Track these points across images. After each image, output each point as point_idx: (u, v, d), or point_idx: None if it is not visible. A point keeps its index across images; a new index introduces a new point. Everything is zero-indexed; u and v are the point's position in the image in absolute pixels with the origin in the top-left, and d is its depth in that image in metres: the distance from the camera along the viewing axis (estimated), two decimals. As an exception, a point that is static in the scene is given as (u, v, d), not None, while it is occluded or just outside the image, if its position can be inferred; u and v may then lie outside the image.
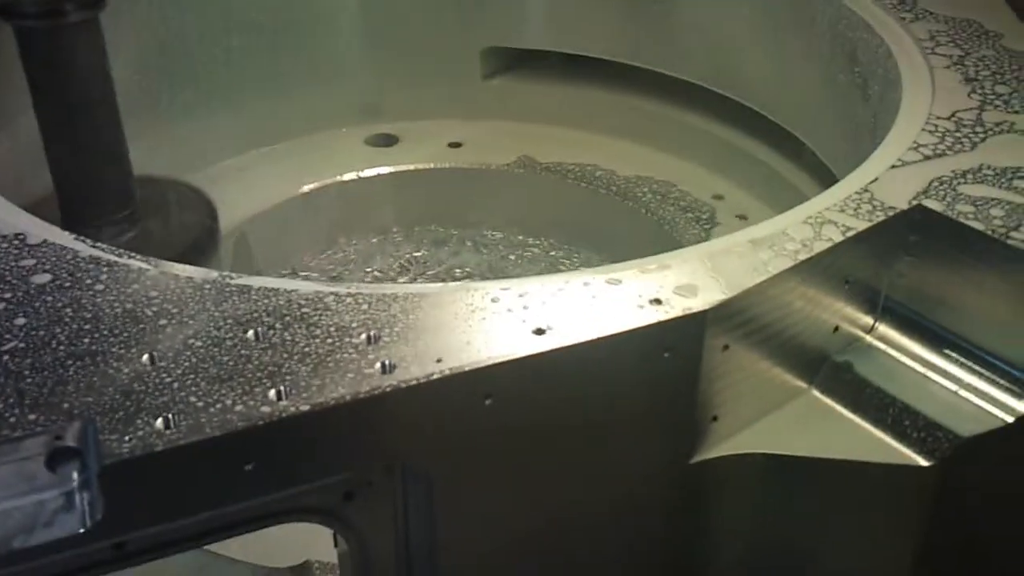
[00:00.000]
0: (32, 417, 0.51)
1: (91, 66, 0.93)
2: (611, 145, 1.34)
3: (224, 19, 1.28)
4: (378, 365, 0.55)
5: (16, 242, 0.65)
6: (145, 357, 0.56)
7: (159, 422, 0.51)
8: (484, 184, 1.36)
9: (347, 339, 0.57)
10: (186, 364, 0.55)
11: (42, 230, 0.67)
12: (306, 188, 1.31)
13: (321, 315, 0.59)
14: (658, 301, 0.61)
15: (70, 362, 0.55)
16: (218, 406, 0.52)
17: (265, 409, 0.52)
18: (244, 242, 1.23)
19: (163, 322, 0.58)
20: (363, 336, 0.58)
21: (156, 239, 1.02)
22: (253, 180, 1.30)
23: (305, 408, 0.52)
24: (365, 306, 0.60)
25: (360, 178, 1.34)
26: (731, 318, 0.62)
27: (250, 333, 0.58)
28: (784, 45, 1.14)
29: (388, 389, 0.54)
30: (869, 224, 0.68)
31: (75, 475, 0.50)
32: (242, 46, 1.29)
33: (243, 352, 0.56)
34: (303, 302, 0.60)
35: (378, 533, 0.59)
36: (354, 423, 0.54)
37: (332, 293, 0.61)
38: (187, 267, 0.64)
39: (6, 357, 0.55)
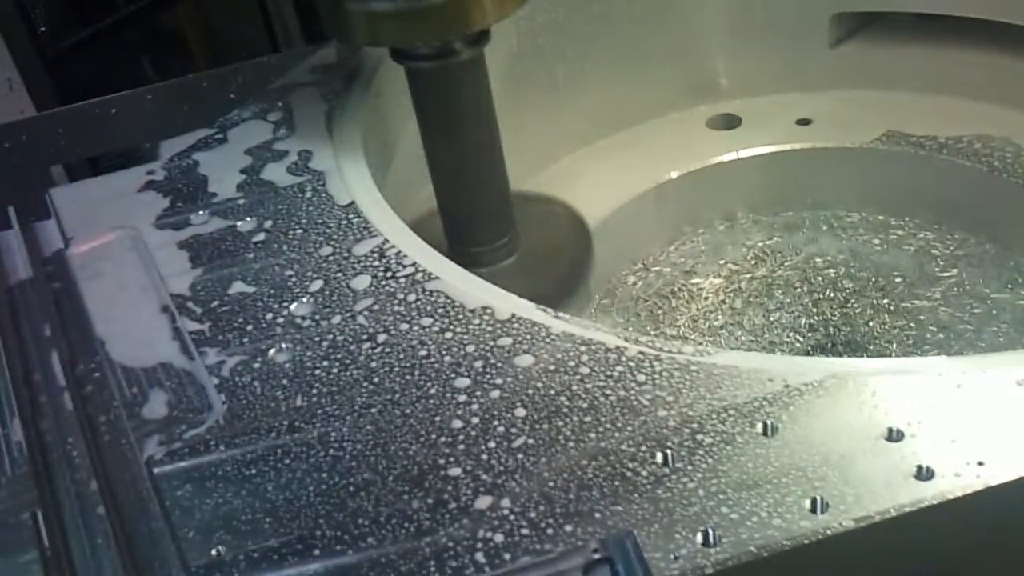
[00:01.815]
0: (568, 529, 0.52)
1: (478, 100, 0.93)
2: (995, 114, 1.20)
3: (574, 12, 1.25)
4: (912, 469, 0.51)
5: (487, 317, 0.66)
6: (659, 456, 0.55)
7: (699, 537, 0.50)
8: (840, 163, 1.26)
9: (867, 433, 0.54)
10: (703, 466, 0.54)
11: (504, 301, 0.68)
12: (653, 181, 1.27)
13: (826, 402, 0.56)
14: None
15: (584, 462, 0.55)
16: (754, 519, 0.50)
17: (805, 524, 0.50)
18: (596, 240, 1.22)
19: (662, 413, 0.57)
20: (884, 429, 0.54)
21: (534, 262, 1.03)
22: (597, 177, 1.27)
23: (849, 524, 0.49)
24: (878, 390, 0.56)
25: (706, 166, 1.28)
26: None
27: (759, 427, 0.55)
28: None
29: (935, 502, 0.50)
30: None
31: (609, 584, 0.50)
32: (591, 37, 1.26)
33: (758, 451, 0.54)
34: (802, 387, 0.57)
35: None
36: (890, 535, 0.51)
37: (832, 376, 0.57)
38: (660, 341, 0.62)
39: (520, 455, 0.56)
